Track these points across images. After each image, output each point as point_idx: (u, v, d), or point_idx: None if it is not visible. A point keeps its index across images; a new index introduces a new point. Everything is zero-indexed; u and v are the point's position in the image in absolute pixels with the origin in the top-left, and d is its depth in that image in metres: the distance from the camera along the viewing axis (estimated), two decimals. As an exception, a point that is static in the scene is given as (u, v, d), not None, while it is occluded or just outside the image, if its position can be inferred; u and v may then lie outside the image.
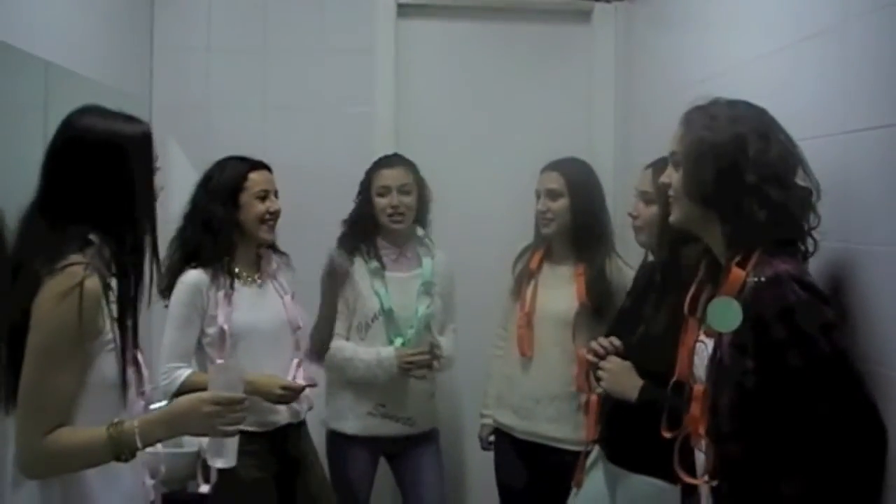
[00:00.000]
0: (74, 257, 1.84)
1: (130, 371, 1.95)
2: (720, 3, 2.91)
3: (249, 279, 3.02)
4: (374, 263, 3.33)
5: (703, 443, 1.95)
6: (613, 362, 2.49)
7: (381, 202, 3.32)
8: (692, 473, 2.01)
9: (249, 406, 2.05)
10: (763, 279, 1.82)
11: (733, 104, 1.98)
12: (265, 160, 3.14)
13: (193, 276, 2.91)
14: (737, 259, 1.91)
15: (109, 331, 1.88)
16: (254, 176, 3.01)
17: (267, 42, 3.99)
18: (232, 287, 2.94)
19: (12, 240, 1.93)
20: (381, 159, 3.44)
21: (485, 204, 4.01)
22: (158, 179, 2.03)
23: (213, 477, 2.70)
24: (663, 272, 2.58)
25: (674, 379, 2.08)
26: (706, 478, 1.94)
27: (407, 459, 3.46)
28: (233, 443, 2.30)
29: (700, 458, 2.00)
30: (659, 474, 2.23)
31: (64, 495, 1.86)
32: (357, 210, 3.40)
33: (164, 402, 3.33)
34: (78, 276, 1.80)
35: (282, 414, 3.01)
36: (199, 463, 2.80)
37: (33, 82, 2.75)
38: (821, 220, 1.94)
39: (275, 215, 3.02)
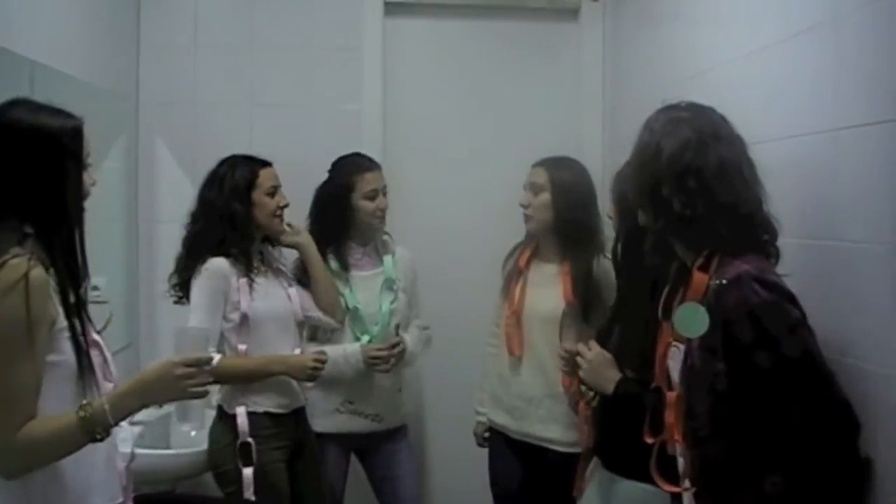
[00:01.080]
0: (15, 250, 1.84)
1: (95, 355, 1.95)
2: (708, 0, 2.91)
3: (259, 269, 3.09)
4: (337, 265, 3.37)
5: (680, 448, 1.95)
6: (594, 354, 2.47)
7: (369, 205, 3.34)
8: (675, 478, 2.01)
9: (212, 371, 2.04)
10: (724, 281, 1.83)
11: (668, 110, 2.04)
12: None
13: (219, 264, 2.98)
14: (699, 262, 1.92)
15: (64, 318, 1.88)
16: (263, 173, 3.08)
17: (254, 40, 3.97)
18: (252, 275, 3.02)
19: None
20: (359, 163, 3.42)
21: (472, 202, 4.01)
22: (90, 175, 2.02)
23: (254, 458, 2.85)
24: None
25: (654, 384, 2.09)
26: (686, 483, 1.94)
27: (378, 456, 3.51)
28: (198, 406, 2.29)
29: (682, 463, 2.00)
30: (651, 480, 2.25)
31: (42, 475, 1.86)
32: (325, 217, 3.39)
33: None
34: (22, 268, 1.80)
35: (300, 394, 3.13)
36: (237, 447, 2.91)
37: (19, 82, 2.72)
38: (773, 221, 1.95)
39: (284, 209, 3.12)
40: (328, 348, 3.26)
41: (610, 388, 2.41)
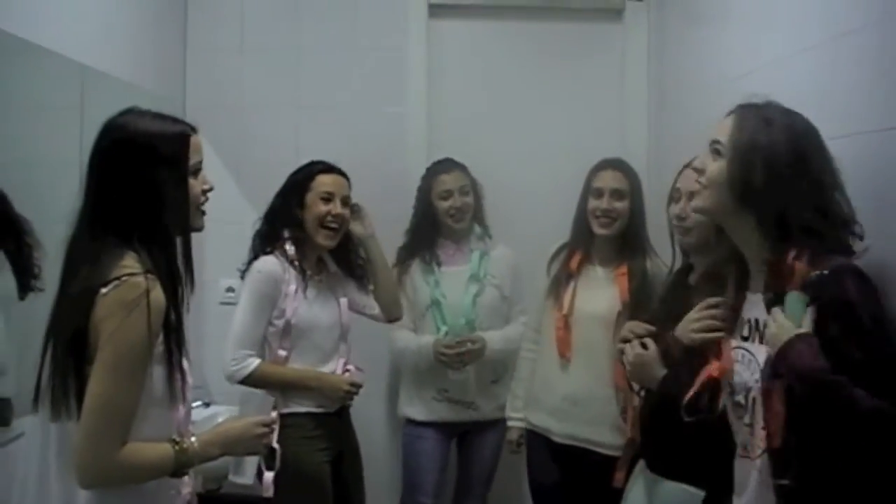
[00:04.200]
0: (128, 263, 1.82)
1: (177, 379, 1.92)
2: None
3: (313, 278, 3.08)
4: (428, 260, 3.55)
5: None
6: (634, 355, 2.39)
7: (443, 205, 3.54)
8: (726, 480, 1.98)
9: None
10: (826, 272, 1.78)
11: (788, 112, 1.95)
12: (298, 160, 3.20)
13: (269, 266, 2.99)
14: (793, 254, 1.85)
15: (163, 339, 1.86)
16: (322, 178, 3.09)
17: (299, 42, 4.00)
18: (304, 282, 3.02)
19: (59, 247, 1.90)
20: (436, 166, 3.64)
21: (517, 204, 3.98)
22: (201, 180, 2.03)
23: (278, 463, 2.77)
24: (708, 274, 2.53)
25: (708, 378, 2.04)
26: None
27: (475, 448, 3.63)
28: (252, 461, 2.60)
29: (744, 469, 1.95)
30: (692, 481, 2.23)
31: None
32: (417, 217, 3.63)
33: (198, 403, 3.38)
34: (141, 286, 1.78)
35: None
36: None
37: (69, 85, 2.77)
38: (862, 227, 1.90)
39: (336, 219, 3.07)
40: (410, 339, 3.49)
41: (654, 385, 2.35)
